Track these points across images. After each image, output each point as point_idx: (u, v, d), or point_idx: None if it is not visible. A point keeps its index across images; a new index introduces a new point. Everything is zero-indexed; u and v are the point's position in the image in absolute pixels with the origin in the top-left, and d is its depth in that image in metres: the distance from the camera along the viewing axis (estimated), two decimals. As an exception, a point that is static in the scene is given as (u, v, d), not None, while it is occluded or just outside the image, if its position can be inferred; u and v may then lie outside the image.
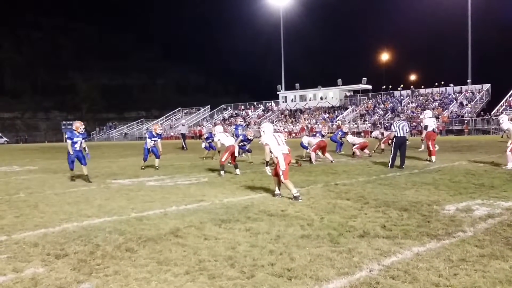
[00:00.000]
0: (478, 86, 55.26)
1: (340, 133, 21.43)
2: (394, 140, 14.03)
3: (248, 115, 71.53)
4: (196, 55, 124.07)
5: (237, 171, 13.36)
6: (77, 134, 12.32)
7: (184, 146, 30.23)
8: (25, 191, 10.73)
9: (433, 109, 49.27)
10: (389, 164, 13.83)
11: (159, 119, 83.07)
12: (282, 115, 67.19)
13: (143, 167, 15.83)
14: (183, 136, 32.19)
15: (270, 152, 8.94)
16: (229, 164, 13.70)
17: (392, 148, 14.10)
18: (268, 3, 71.72)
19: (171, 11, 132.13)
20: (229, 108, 78.93)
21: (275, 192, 9.02)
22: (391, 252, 5.03)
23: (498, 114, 45.92)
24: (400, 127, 14.11)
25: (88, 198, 9.45)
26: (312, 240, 5.64)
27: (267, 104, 74.52)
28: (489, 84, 54.90)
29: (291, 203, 8.24)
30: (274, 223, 6.64)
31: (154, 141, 15.68)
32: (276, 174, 8.86)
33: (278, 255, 5.05)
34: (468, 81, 56.54)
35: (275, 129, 15.27)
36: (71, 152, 12.32)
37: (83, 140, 12.41)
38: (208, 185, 11.09)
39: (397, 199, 8.38)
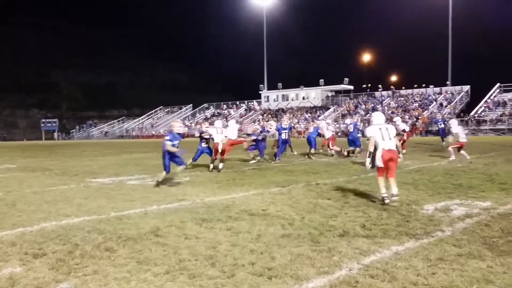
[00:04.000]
0: (458, 88, 56.09)
1: (316, 131, 21.43)
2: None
3: (230, 114, 71.45)
4: (179, 53, 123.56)
5: (211, 166, 13.82)
6: (177, 135, 11.03)
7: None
8: (3, 190, 10.56)
9: (413, 109, 49.88)
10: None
11: (140, 118, 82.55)
12: (265, 115, 67.25)
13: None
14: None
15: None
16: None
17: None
18: (251, 3, 71.81)
19: (155, 9, 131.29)
20: (212, 107, 78.78)
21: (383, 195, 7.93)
22: (370, 251, 5.08)
23: (476, 115, 46.69)
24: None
25: (68, 197, 9.34)
26: (292, 240, 5.66)
27: (250, 103, 74.57)
28: (469, 86, 55.79)
29: (272, 202, 8.26)
30: (255, 222, 6.64)
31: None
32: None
33: (258, 254, 5.06)
34: (448, 82, 57.34)
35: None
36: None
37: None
38: (190, 184, 11.05)
39: (377, 198, 8.46)
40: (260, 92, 73.02)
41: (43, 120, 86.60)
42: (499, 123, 45.49)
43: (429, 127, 47.74)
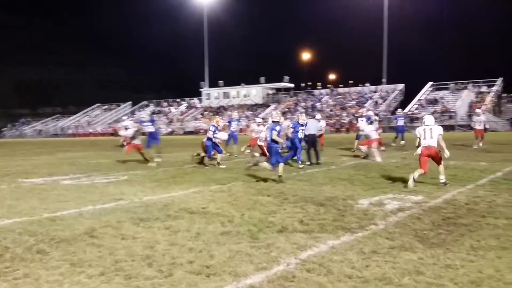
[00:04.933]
0: (392, 86, 58.20)
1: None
2: (306, 138, 14.46)
3: (170, 111, 70.60)
4: (117, 50, 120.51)
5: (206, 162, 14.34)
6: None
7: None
8: None
9: (351, 107, 51.24)
10: (308, 162, 14.21)
11: (76, 115, 79.95)
12: (206, 112, 66.96)
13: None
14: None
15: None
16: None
17: (307, 146, 14.54)
18: (192, 0, 71.12)
19: (91, 4, 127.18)
20: (151, 104, 77.51)
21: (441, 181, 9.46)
22: (307, 246, 5.18)
23: (409, 113, 48.59)
24: (310, 125, 14.58)
25: (-3, 198, 8.89)
26: (232, 237, 5.67)
27: (191, 101, 73.99)
28: (403, 84, 58.00)
29: (212, 200, 8.24)
30: (195, 220, 6.60)
31: (215, 136, 14.27)
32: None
33: (197, 252, 5.03)
34: (383, 80, 59.38)
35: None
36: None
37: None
38: (128, 183, 10.81)
39: (314, 194, 8.63)
40: (201, 89, 72.61)
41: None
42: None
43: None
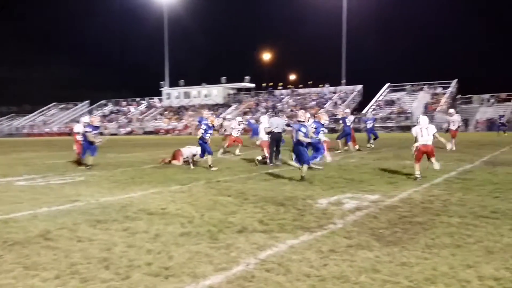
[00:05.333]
0: (351, 87, 59.20)
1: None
2: (270, 136, 14.42)
3: (130, 111, 69.56)
4: (75, 48, 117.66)
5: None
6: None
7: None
8: None
9: (311, 107, 51.75)
10: (268, 161, 14.24)
11: (31, 115, 77.66)
12: (166, 112, 66.31)
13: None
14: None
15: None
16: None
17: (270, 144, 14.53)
18: (152, -2, 70.27)
19: (48, 1, 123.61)
20: (110, 103, 76.12)
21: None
22: (267, 246, 5.19)
23: (368, 113, 49.54)
24: (276, 124, 14.56)
25: None
26: (191, 238, 5.63)
27: (151, 100, 73.09)
28: (361, 85, 59.09)
29: (172, 200, 8.16)
30: (154, 221, 6.52)
31: (210, 133, 13.69)
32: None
33: (156, 254, 4.97)
34: (342, 81, 60.34)
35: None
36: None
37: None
38: (84, 184, 10.57)
39: (275, 194, 8.68)
40: (161, 89, 71.79)
41: None
42: (388, 121, 48.79)
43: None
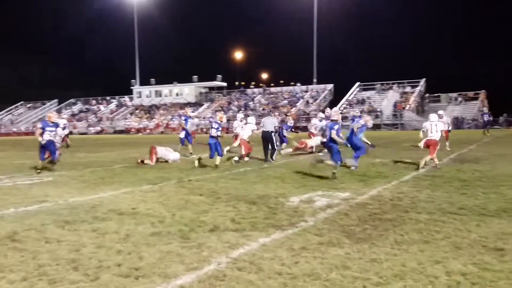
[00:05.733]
0: (322, 86, 59.67)
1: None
2: (261, 135, 14.63)
3: (100, 110, 68.56)
4: (42, 45, 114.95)
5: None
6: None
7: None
8: None
9: (283, 106, 52.00)
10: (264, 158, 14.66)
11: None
12: (137, 111, 65.61)
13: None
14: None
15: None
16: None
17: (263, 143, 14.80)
18: (121, -4, 69.32)
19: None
20: (79, 102, 74.85)
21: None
22: (239, 245, 5.19)
23: (339, 111, 50.02)
24: (265, 123, 14.71)
25: None
26: (162, 237, 5.58)
27: (121, 99, 72.17)
28: (332, 84, 59.61)
29: (143, 200, 8.07)
30: (124, 222, 6.43)
31: (220, 131, 13.23)
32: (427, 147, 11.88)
33: (126, 254, 4.91)
34: (314, 80, 60.75)
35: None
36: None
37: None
38: (53, 184, 10.35)
39: (247, 193, 8.68)
40: (131, 87, 70.91)
41: None
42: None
43: (297, 123, 50.11)
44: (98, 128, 62.74)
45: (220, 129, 13.16)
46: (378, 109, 50.40)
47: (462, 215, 6.53)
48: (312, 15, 60.52)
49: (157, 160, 14.45)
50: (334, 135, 10.35)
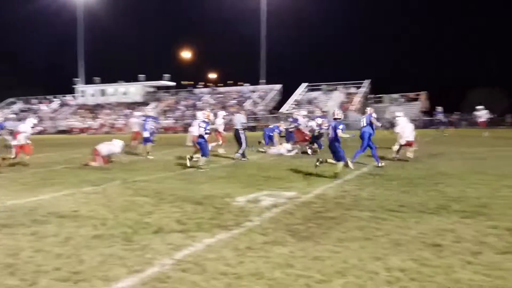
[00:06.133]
0: (270, 86, 60.11)
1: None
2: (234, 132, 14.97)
3: (41, 109, 66.17)
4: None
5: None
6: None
7: None
8: None
9: (231, 106, 52.03)
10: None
11: None
12: (81, 110, 63.78)
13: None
14: None
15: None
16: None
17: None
18: (63, -9, 67.09)
19: None
20: (19, 101, 71.88)
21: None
22: (183, 246, 5.15)
23: (287, 111, 50.58)
24: (234, 120, 15.03)
25: None
26: (104, 240, 5.45)
27: (64, 98, 69.88)
28: (281, 85, 60.14)
29: (85, 202, 7.85)
30: (64, 224, 6.24)
31: (208, 130, 12.77)
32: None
33: (65, 258, 4.76)
34: (262, 81, 61.10)
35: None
36: None
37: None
38: (-11, 187, 9.89)
39: (193, 193, 8.62)
40: (75, 86, 68.77)
41: None
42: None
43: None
44: (40, 128, 60.47)
45: (208, 127, 12.63)
46: (324, 110, 51.31)
47: (403, 212, 6.75)
48: (260, 14, 60.84)
49: (108, 160, 13.90)
50: (340, 134, 10.43)
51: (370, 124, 13.01)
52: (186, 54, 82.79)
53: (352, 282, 4.05)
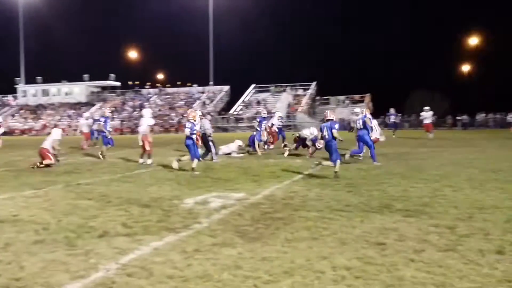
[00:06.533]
0: (219, 87, 60.02)
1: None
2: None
3: (-21, 110, 63.10)
4: None
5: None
6: None
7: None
8: None
9: (179, 107, 51.54)
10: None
11: None
12: (22, 111, 61.31)
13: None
14: None
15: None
16: None
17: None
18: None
19: None
20: (-46, 102, 68.25)
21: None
22: (129, 250, 5.04)
23: (235, 113, 50.64)
24: (203, 125, 14.59)
25: None
26: (46, 245, 5.26)
27: (4, 98, 66.98)
28: (229, 86, 60.17)
29: (26, 206, 7.55)
30: (3, 230, 5.98)
31: (195, 131, 12.23)
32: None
33: (5, 264, 4.56)
34: (210, 82, 60.92)
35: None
36: None
37: None
38: None
39: (140, 196, 8.46)
40: (16, 86, 66.07)
41: None
42: (254, 120, 50.36)
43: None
44: (-23, 129, 57.68)
45: (194, 128, 12.09)
46: (273, 111, 51.71)
47: (348, 211, 6.89)
48: (208, 15, 60.61)
49: (55, 155, 13.74)
50: (336, 134, 10.61)
51: (364, 124, 13.42)
52: (133, 54, 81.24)
53: (299, 282, 4.10)
